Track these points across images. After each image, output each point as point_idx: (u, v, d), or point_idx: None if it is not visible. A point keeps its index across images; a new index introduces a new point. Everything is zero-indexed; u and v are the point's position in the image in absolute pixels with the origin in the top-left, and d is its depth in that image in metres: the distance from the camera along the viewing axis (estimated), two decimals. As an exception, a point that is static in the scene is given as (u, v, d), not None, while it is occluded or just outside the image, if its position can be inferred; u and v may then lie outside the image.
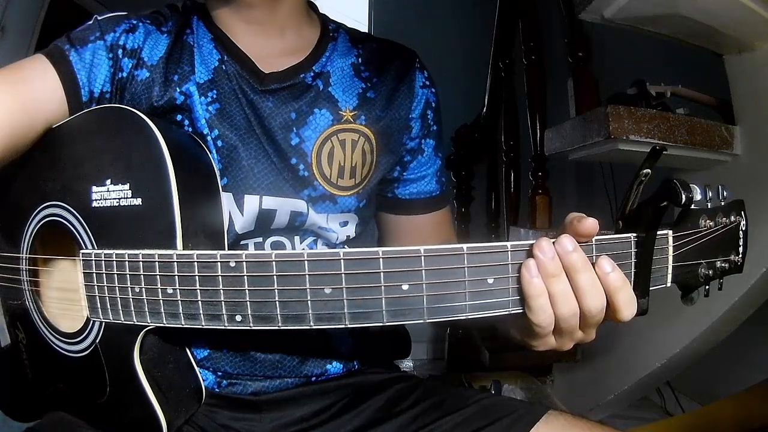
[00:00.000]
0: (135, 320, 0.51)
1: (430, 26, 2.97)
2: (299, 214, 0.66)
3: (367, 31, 3.23)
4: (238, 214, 0.64)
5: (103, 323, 0.55)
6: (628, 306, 0.45)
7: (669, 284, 0.48)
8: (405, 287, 0.43)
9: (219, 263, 0.46)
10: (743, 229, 0.51)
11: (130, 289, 0.50)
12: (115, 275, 0.51)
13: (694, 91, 1.36)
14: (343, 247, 0.72)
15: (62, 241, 0.61)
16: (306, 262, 0.44)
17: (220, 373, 0.66)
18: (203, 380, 0.61)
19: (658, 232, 0.46)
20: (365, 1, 3.29)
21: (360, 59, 0.72)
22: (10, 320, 0.66)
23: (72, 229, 0.57)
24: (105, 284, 0.52)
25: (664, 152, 0.45)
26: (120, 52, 0.64)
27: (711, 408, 1.36)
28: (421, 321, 0.44)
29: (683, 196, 0.43)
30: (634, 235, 0.46)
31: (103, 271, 0.52)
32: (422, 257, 0.43)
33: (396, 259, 0.43)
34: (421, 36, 2.91)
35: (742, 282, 1.18)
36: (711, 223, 0.48)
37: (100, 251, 0.53)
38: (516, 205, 2.07)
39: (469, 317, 0.44)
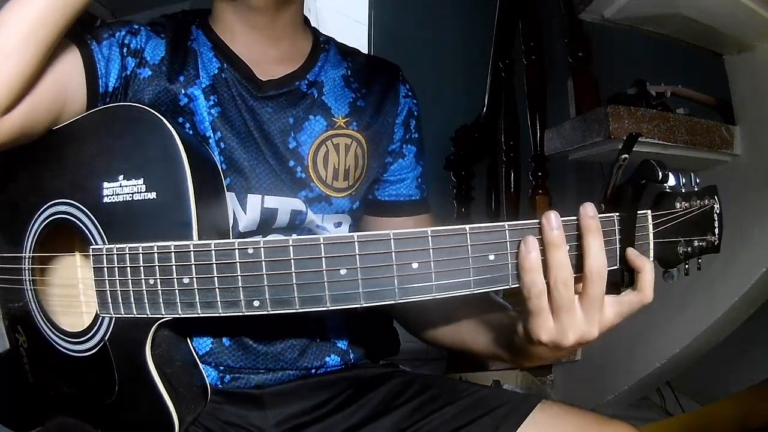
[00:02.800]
0: (149, 313, 0.51)
1: (430, 26, 2.97)
2: (299, 212, 0.69)
3: (367, 31, 3.24)
4: (241, 213, 0.66)
5: (113, 319, 0.54)
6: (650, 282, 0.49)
7: (651, 259, 0.51)
8: (414, 266, 0.46)
9: (237, 250, 0.47)
10: (717, 212, 0.54)
11: (143, 281, 0.51)
12: (128, 268, 0.51)
13: (694, 91, 1.36)
14: None
15: (66, 240, 0.62)
16: (322, 245, 0.46)
17: (222, 368, 0.67)
18: (207, 377, 0.62)
19: (639, 212, 0.50)
20: (365, 1, 3.29)
21: (349, 71, 0.76)
22: (10, 324, 0.65)
23: (80, 225, 0.57)
24: (117, 278, 0.52)
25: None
26: (124, 50, 0.66)
27: (711, 408, 1.36)
28: (431, 297, 0.47)
29: (660, 173, 0.48)
30: (617, 214, 0.50)
31: (115, 265, 0.52)
32: (429, 237, 0.46)
33: (405, 239, 0.46)
34: (421, 36, 2.92)
35: (742, 282, 1.18)
36: (686, 204, 0.52)
37: (111, 245, 0.53)
38: (516, 205, 2.07)
39: (474, 292, 0.47)
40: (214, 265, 0.48)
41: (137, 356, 0.53)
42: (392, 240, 0.46)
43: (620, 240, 0.50)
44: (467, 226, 0.47)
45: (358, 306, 0.47)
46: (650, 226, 0.51)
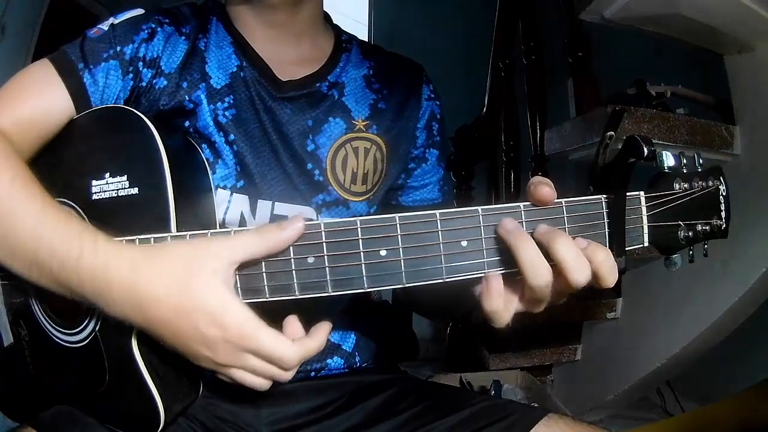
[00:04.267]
0: None
1: (430, 26, 2.98)
2: (308, 221, 0.67)
3: (367, 31, 3.23)
4: (250, 217, 0.66)
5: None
6: (612, 274, 0.46)
7: (647, 244, 0.49)
8: (383, 253, 0.46)
9: None
10: (723, 194, 0.51)
11: None
12: None
13: (693, 91, 1.36)
14: None
15: None
16: None
17: None
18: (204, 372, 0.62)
19: (631, 193, 0.47)
20: (365, 1, 3.29)
21: (371, 71, 0.74)
22: (13, 318, 0.66)
23: None
24: None
25: (624, 115, 0.47)
26: (140, 64, 0.64)
27: (711, 408, 1.36)
28: (401, 286, 0.46)
29: (645, 150, 0.44)
30: (605, 196, 0.47)
31: None
32: (397, 224, 0.45)
33: (373, 227, 0.46)
34: (421, 36, 2.92)
35: (742, 282, 1.18)
36: (686, 186, 0.49)
37: None
38: (516, 205, 2.07)
39: (446, 280, 0.46)
40: None
41: (125, 346, 0.54)
42: (359, 228, 0.45)
43: (609, 224, 0.47)
44: (438, 212, 0.46)
45: (327, 295, 0.47)
46: (643, 209, 0.49)
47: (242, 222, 0.65)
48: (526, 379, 1.75)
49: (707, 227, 0.50)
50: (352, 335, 0.72)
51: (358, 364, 0.72)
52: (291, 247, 0.46)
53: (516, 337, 1.79)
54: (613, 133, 0.49)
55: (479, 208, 0.46)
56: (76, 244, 0.48)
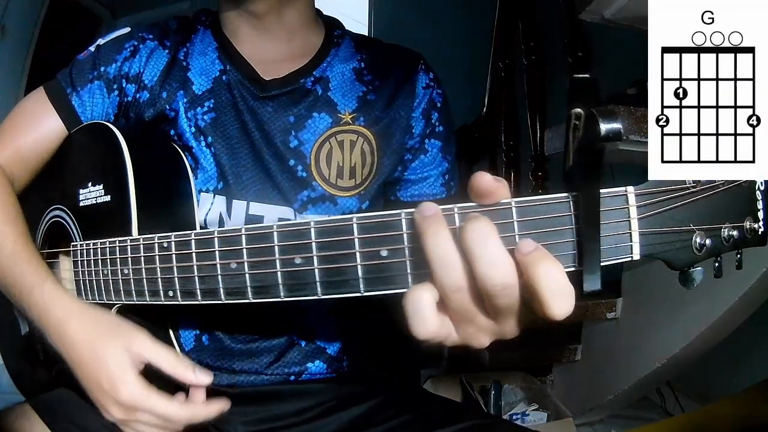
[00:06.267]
0: (105, 299, 0.58)
1: (430, 26, 2.97)
2: (286, 221, 0.67)
3: (367, 31, 3.23)
4: (227, 218, 0.66)
5: None
6: (559, 297, 0.33)
7: (638, 256, 0.37)
8: (298, 261, 0.43)
9: (156, 244, 0.52)
10: (761, 188, 0.38)
11: (101, 272, 0.58)
12: (92, 261, 0.60)
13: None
14: None
15: (65, 239, 0.68)
16: (216, 239, 0.48)
17: (202, 365, 0.66)
18: None
19: (611, 190, 0.36)
20: (365, 1, 3.29)
21: (363, 63, 0.73)
22: None
23: (67, 226, 0.65)
24: (86, 269, 0.61)
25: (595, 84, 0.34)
26: (123, 81, 0.68)
27: (711, 408, 1.36)
28: (317, 297, 0.43)
29: (601, 128, 0.32)
30: (573, 194, 0.36)
31: (84, 259, 0.61)
32: (312, 229, 0.42)
33: (289, 232, 0.44)
34: (421, 36, 2.91)
35: (742, 282, 1.18)
36: (702, 179, 0.37)
37: (83, 242, 0.61)
38: (516, 205, 2.06)
39: (365, 294, 0.41)
40: (142, 257, 0.53)
41: None
42: (275, 233, 0.44)
43: (577, 230, 0.36)
44: (355, 216, 0.41)
45: (248, 301, 0.46)
46: (632, 209, 0.36)
47: (221, 222, 0.66)
48: (526, 379, 1.75)
49: (735, 232, 0.38)
50: (339, 339, 0.70)
51: (346, 369, 0.71)
52: (217, 252, 0.47)
53: (516, 337, 1.79)
54: (580, 110, 0.34)
55: (403, 211, 0.39)
56: (28, 281, 0.59)
